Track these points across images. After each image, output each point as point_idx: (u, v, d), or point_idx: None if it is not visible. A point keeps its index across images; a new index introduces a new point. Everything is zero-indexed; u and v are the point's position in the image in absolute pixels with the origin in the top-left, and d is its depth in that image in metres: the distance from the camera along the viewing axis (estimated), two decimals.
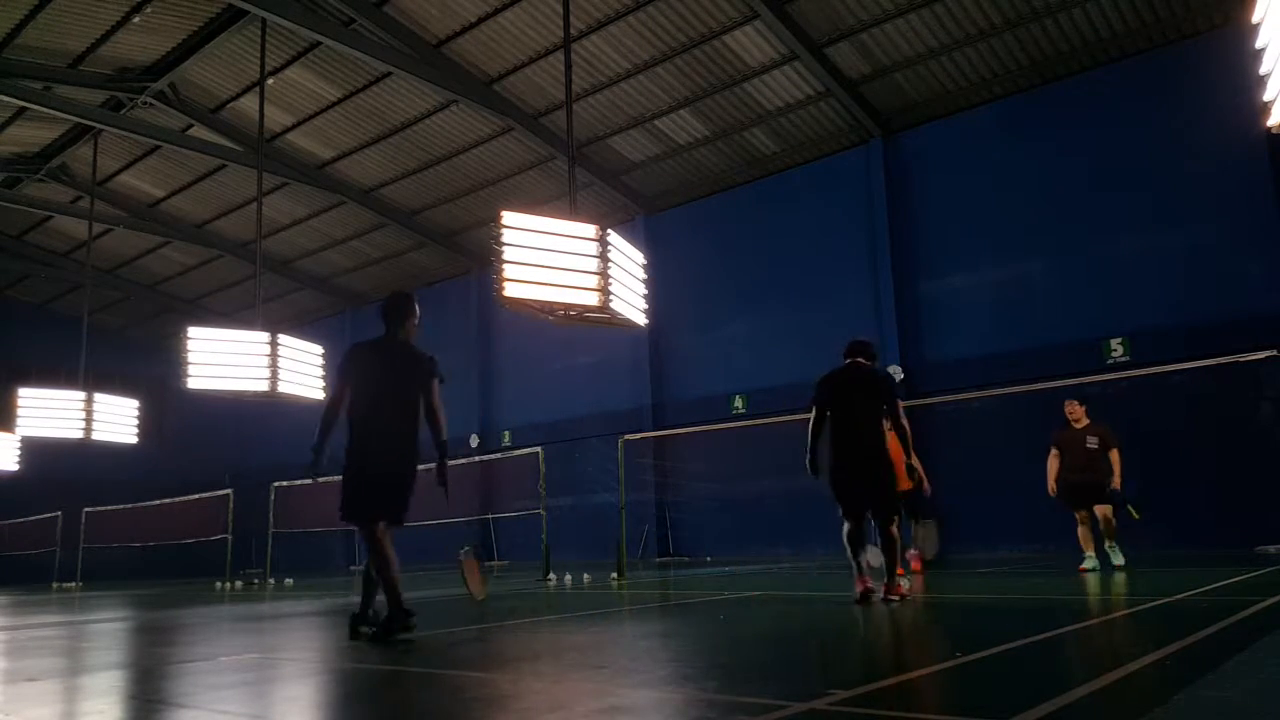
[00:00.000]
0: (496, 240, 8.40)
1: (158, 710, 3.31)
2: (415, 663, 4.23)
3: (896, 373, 15.00)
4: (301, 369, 12.39)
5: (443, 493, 5.20)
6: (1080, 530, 9.05)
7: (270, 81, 15.30)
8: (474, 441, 20.85)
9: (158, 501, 18.99)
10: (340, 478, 5.09)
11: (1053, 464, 9.23)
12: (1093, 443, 9.07)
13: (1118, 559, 8.91)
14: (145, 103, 16.30)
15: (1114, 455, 8.98)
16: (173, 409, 25.87)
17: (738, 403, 17.01)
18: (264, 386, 11.74)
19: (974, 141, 14.95)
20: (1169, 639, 3.95)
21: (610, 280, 8.80)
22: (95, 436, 15.26)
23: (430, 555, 14.40)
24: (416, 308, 5.48)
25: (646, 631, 5.25)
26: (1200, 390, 11.65)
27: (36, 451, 17.01)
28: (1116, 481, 8.87)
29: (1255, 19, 5.42)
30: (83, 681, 4.11)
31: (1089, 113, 13.77)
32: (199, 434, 26.65)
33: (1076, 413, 9.30)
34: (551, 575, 11.28)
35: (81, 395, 15.21)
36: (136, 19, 14.17)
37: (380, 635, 4.93)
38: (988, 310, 14.51)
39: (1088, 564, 8.93)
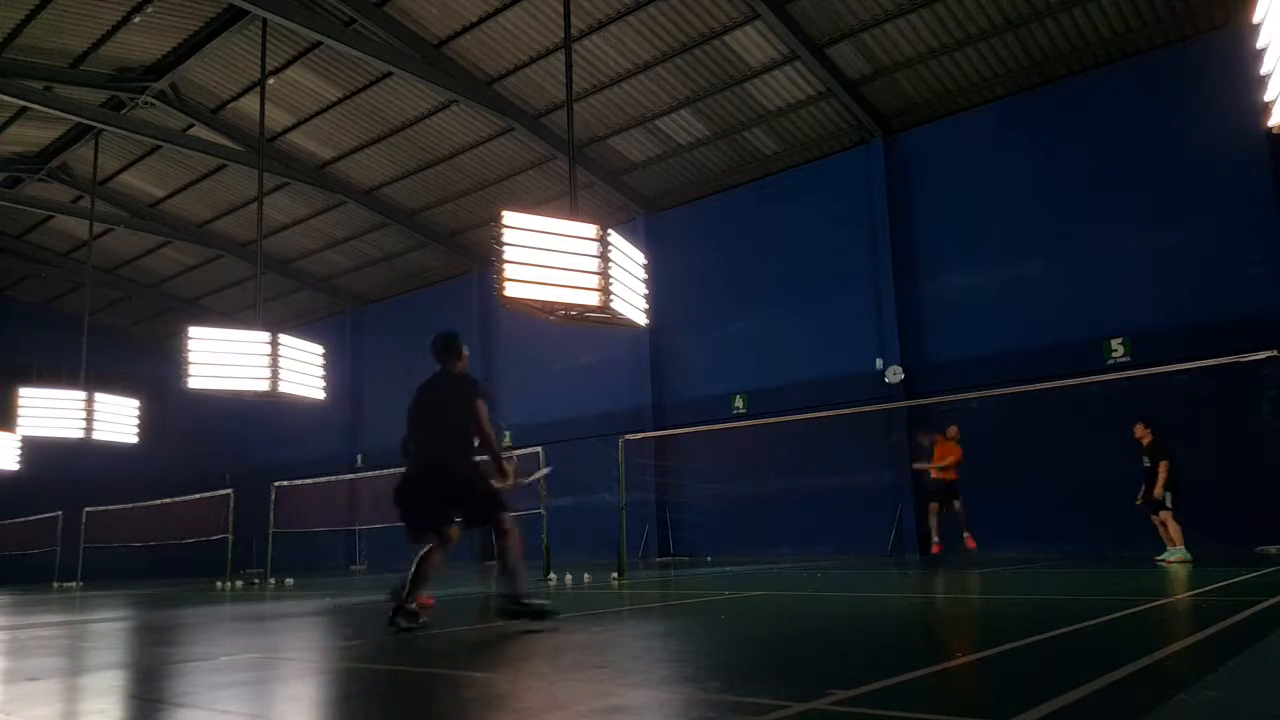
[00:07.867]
0: (497, 240, 8.41)
1: (158, 710, 3.31)
2: (415, 663, 4.23)
3: (897, 373, 14.99)
4: (302, 369, 12.40)
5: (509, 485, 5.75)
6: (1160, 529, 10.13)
7: (271, 81, 15.30)
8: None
9: (158, 501, 18.98)
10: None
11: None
12: (1146, 461, 10.08)
13: (1172, 557, 9.70)
14: (146, 102, 16.31)
15: (1161, 467, 9.94)
16: (173, 409, 25.86)
17: (738, 402, 17.00)
18: (264, 386, 11.76)
19: (974, 141, 14.94)
20: (1169, 639, 3.96)
21: (611, 280, 8.81)
22: (96, 436, 15.26)
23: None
24: (461, 344, 5.82)
25: (647, 631, 5.25)
26: (1200, 390, 11.66)
27: (37, 451, 17.02)
28: (1157, 490, 9.90)
29: (1255, 19, 5.43)
30: (83, 681, 4.11)
31: (1089, 113, 13.76)
32: (199, 434, 26.66)
33: (1139, 432, 10.24)
34: (552, 575, 11.27)
35: (82, 395, 15.21)
36: (137, 19, 14.18)
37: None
38: (988, 310, 14.50)
39: (1162, 556, 9.87)
